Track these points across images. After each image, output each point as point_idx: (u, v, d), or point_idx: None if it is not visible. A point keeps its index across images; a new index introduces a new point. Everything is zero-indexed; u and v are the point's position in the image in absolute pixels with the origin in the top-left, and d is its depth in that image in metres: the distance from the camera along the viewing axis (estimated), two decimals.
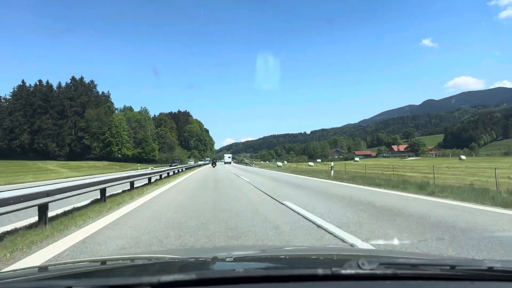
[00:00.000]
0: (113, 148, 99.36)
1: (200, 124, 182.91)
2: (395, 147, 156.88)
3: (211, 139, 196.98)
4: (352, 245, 4.61)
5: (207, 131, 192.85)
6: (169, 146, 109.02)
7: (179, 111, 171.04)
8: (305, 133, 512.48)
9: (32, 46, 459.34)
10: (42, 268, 1.80)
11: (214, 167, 55.69)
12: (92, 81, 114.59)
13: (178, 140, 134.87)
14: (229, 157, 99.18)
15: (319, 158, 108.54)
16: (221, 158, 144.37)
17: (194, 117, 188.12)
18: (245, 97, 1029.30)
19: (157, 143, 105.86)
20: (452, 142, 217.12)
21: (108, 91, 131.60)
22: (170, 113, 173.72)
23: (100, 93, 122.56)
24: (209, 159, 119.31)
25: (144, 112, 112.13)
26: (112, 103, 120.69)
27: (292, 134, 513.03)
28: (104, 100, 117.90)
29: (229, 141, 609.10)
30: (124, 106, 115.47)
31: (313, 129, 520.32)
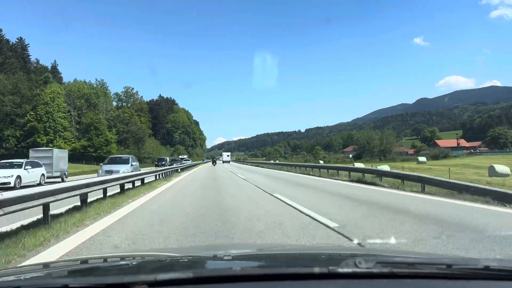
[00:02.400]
0: (39, 139, 57.97)
1: (188, 114, 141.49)
2: (443, 142, 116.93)
3: (201, 133, 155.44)
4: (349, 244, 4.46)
5: (197, 123, 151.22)
6: (136, 137, 67.40)
7: (160, 97, 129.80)
8: (299, 131, 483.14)
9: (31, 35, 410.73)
10: (40, 266, 1.76)
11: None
12: (21, 40, 72.74)
13: (152, 130, 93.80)
14: (228, 156, 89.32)
15: (370, 156, 68.47)
16: (213, 157, 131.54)
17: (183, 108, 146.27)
18: (237, 96, 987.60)
19: (115, 132, 64.58)
20: (474, 138, 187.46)
21: (55, 61, 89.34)
22: (151, 101, 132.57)
23: (45, 66, 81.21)
24: (185, 157, 73.67)
25: (100, 85, 70.62)
26: (60, 78, 79.35)
27: (286, 132, 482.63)
28: (42, 70, 76.43)
29: (220, 140, 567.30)
30: (75, 79, 73.37)
31: (308, 127, 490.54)
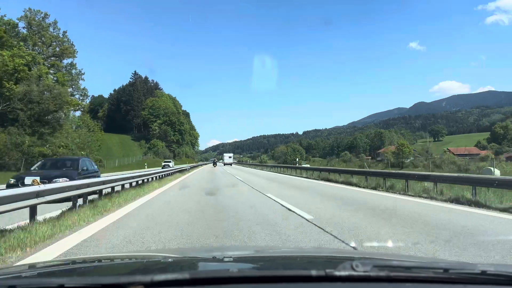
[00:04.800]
0: None
1: (175, 101, 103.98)
2: None
3: (193, 128, 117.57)
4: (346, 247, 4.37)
5: (186, 114, 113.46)
6: (38, 109, 28.73)
7: (135, 74, 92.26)
8: (297, 133, 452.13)
9: None
10: (35, 266, 1.74)
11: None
12: None
13: (123, 121, 56.43)
14: (230, 157, 75.25)
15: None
16: (207, 158, 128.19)
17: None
18: (232, 98, 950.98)
19: None
20: (502, 142, 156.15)
21: None
22: (131, 83, 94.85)
23: None
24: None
25: None
26: None
27: (283, 134, 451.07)
28: None
29: (214, 142, 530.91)
30: None
31: (305, 130, 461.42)
